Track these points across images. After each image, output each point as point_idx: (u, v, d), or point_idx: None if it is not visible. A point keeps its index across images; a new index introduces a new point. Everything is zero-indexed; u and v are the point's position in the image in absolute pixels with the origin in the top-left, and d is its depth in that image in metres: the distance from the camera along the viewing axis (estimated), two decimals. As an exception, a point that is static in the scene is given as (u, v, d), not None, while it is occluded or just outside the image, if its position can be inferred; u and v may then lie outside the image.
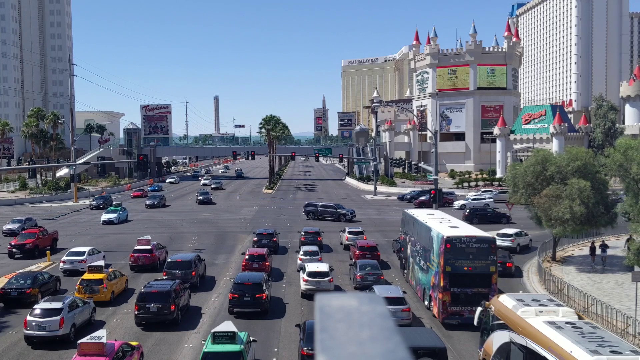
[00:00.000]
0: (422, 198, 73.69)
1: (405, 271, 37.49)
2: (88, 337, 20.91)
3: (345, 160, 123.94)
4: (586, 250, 46.25)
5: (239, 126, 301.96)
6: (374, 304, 1.68)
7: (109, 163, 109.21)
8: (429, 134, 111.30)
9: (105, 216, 63.40)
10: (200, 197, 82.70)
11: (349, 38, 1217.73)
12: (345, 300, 1.70)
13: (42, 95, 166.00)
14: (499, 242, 45.23)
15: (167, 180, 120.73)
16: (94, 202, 78.03)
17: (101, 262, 35.53)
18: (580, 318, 20.47)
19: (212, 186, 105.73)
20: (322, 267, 33.31)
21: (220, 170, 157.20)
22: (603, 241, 41.80)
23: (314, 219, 64.48)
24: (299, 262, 38.36)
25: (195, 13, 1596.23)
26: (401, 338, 1.54)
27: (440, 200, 55.67)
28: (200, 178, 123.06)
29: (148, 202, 77.31)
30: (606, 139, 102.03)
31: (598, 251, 40.63)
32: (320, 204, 68.78)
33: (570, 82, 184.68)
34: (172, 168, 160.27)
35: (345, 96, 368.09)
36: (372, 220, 64.16)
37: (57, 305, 25.89)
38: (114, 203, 72.90)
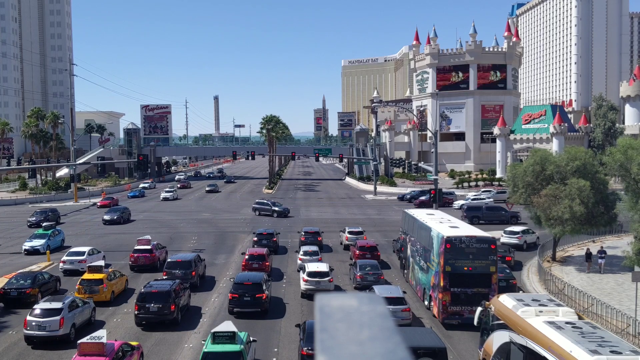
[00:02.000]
0: (422, 198, 73.70)
1: (405, 271, 37.49)
2: (88, 337, 20.91)
3: (345, 160, 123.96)
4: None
5: (239, 126, 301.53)
6: (374, 304, 1.68)
7: (109, 163, 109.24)
8: (429, 134, 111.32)
9: (28, 244, 46.56)
10: (276, 209, 66.50)
11: (349, 38, 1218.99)
12: (345, 300, 1.70)
13: (42, 95, 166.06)
14: (506, 240, 46.21)
15: (140, 186, 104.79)
16: (33, 219, 60.44)
17: (101, 262, 35.54)
18: (580, 318, 20.46)
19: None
20: (322, 267, 33.31)
21: (208, 173, 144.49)
22: (602, 247, 39.73)
23: (478, 223, 53.68)
24: (299, 262, 38.36)
25: (195, 13, 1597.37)
26: (401, 338, 1.54)
27: (440, 200, 55.66)
28: (173, 185, 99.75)
29: (106, 217, 62.30)
30: (606, 139, 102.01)
31: (597, 258, 38.30)
32: (485, 205, 62.08)
33: (570, 82, 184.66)
34: (172, 168, 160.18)
35: (345, 96, 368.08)
36: (372, 220, 64.15)
37: (57, 305, 25.89)
38: (44, 225, 51.15)
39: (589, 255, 38.71)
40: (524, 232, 47.24)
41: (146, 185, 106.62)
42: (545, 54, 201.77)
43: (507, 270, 34.31)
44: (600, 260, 37.97)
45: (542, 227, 41.43)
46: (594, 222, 38.76)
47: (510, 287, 32.18)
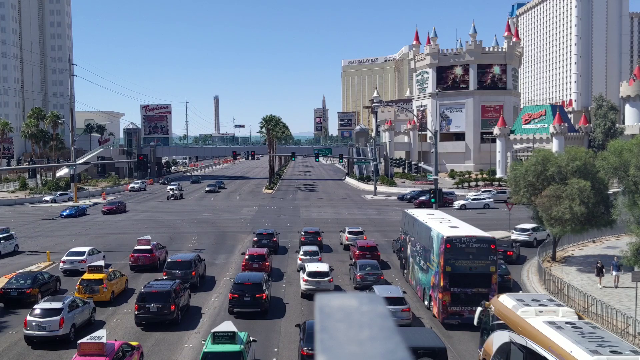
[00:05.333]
0: (422, 198, 73.70)
1: (405, 271, 37.49)
2: (88, 337, 20.91)
3: (345, 160, 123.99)
4: (587, 250, 46.27)
5: (239, 126, 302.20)
6: (374, 304, 1.68)
7: (109, 163, 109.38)
8: (429, 134, 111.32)
9: None
10: None
11: (349, 38, 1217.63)
12: (345, 300, 1.70)
13: (42, 95, 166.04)
14: (517, 236, 47.20)
15: (45, 198, 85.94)
16: None
17: (101, 262, 35.55)
18: (580, 318, 20.46)
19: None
20: (322, 267, 33.31)
21: (169, 188, 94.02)
22: (616, 258, 35.99)
23: None
24: (299, 262, 38.35)
25: (195, 13, 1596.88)
26: (401, 338, 1.54)
27: (440, 200, 55.67)
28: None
29: None
30: (606, 139, 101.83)
31: (611, 271, 35.01)
32: None
33: (570, 82, 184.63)
34: (172, 168, 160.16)
35: (345, 96, 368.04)
36: (372, 220, 64.15)
37: (57, 305, 25.88)
38: None
39: (600, 269, 35.39)
40: (534, 229, 47.67)
41: (53, 197, 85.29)
42: (545, 54, 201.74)
43: (503, 266, 34.70)
44: (615, 273, 34.89)
45: (543, 226, 41.55)
46: (594, 222, 38.75)
47: (505, 282, 33.00)
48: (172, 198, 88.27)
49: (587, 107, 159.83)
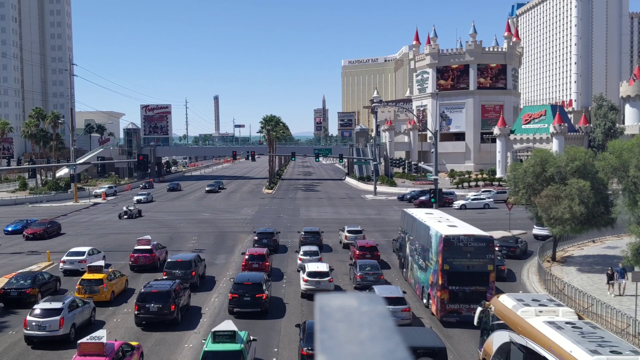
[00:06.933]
0: (422, 198, 73.70)
1: (404, 270, 37.53)
2: (88, 337, 20.92)
3: (345, 160, 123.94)
4: (587, 250, 46.25)
5: (239, 126, 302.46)
6: (374, 304, 1.68)
7: (109, 163, 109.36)
8: (429, 134, 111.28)
9: None
10: None
11: (349, 38, 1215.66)
12: (345, 300, 1.70)
13: (42, 95, 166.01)
14: (538, 231, 48.58)
15: None
16: None
17: (101, 262, 35.57)
18: (580, 318, 20.47)
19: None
20: (322, 267, 33.32)
21: (136, 198, 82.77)
22: (621, 264, 34.24)
23: None
24: (299, 262, 38.37)
25: (195, 13, 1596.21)
26: (401, 338, 1.54)
27: (440, 200, 55.69)
28: None
29: None
30: (606, 139, 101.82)
31: (616, 279, 33.27)
32: None
33: (570, 82, 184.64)
34: (172, 168, 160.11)
35: (345, 96, 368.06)
36: (372, 220, 64.16)
37: (57, 305, 25.89)
38: None
39: (610, 276, 33.44)
40: None
41: None
42: (545, 54, 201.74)
43: (499, 257, 35.33)
44: (621, 280, 33.31)
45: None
46: (594, 222, 38.75)
47: (499, 272, 34.17)
48: (125, 217, 66.75)
49: (587, 107, 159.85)
